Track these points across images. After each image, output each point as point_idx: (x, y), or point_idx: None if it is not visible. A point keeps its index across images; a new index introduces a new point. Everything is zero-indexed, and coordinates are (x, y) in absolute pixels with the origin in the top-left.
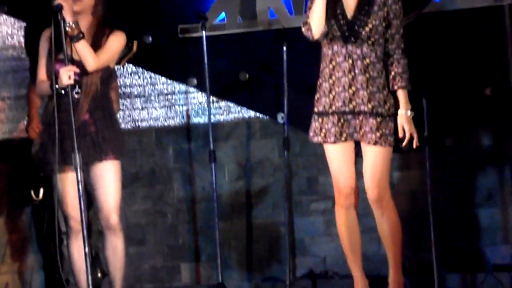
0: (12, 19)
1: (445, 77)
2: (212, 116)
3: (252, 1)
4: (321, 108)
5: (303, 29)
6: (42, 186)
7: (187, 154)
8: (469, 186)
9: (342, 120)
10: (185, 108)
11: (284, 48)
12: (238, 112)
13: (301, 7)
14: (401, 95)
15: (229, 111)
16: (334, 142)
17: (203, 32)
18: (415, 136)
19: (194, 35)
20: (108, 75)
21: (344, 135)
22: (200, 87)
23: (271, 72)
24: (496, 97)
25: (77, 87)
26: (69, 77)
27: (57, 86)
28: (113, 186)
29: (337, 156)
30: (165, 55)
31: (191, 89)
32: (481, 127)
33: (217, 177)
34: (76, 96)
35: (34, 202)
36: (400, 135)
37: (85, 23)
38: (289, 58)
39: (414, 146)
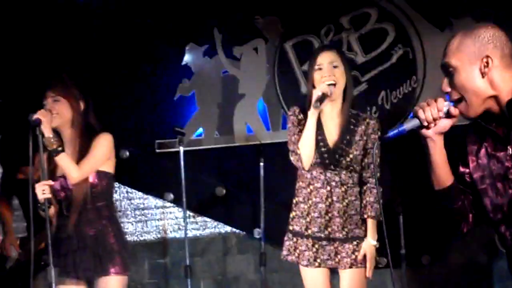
0: None
1: (422, 195)
2: (188, 231)
3: (229, 116)
4: (297, 228)
5: (292, 159)
6: None
7: (162, 269)
8: None
9: (317, 246)
10: (161, 223)
11: (261, 164)
12: (215, 227)
13: (278, 123)
14: (370, 223)
15: (205, 226)
16: (307, 266)
17: (180, 147)
18: (372, 266)
19: (171, 150)
20: (106, 184)
21: (318, 260)
22: (177, 202)
23: (248, 187)
24: (473, 215)
25: (46, 204)
26: (43, 192)
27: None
28: None
29: (312, 279)
30: (141, 170)
31: (168, 204)
32: (458, 245)
33: None
34: (42, 213)
35: None
36: (359, 259)
37: (67, 135)
38: (265, 173)
39: (369, 275)
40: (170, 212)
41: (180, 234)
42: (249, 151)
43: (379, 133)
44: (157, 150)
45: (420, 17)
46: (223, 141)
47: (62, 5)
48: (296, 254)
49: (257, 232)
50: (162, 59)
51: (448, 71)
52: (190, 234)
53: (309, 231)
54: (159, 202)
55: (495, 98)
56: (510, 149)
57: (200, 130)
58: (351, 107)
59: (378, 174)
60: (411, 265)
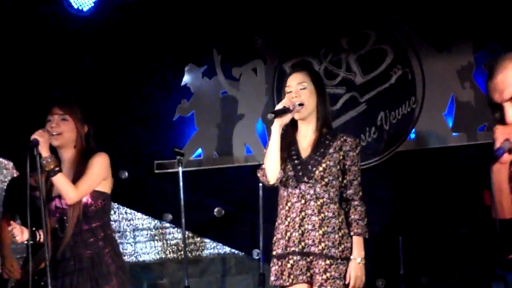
0: None
1: (421, 215)
2: (187, 252)
3: (229, 137)
4: (279, 251)
5: (258, 175)
6: None
7: None
8: None
9: (291, 262)
10: (160, 243)
11: (260, 185)
12: (214, 248)
13: None
14: (356, 241)
15: (204, 247)
16: (281, 284)
17: (180, 167)
18: (361, 285)
19: (171, 170)
20: (105, 202)
21: (292, 277)
22: (176, 223)
23: (247, 208)
24: (471, 236)
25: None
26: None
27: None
28: None
29: None
30: (140, 191)
31: (167, 225)
32: (457, 265)
33: None
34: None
35: None
36: (347, 281)
37: (68, 156)
38: (264, 194)
39: None
40: (169, 233)
41: (179, 255)
42: (248, 172)
43: (357, 150)
44: (156, 171)
45: (419, 39)
46: (222, 162)
47: (61, 26)
48: (285, 277)
49: (256, 253)
50: (161, 80)
51: None
52: (189, 255)
53: (288, 249)
54: (158, 223)
55: None
56: None
57: (199, 150)
58: (326, 125)
59: (360, 193)
60: (411, 286)
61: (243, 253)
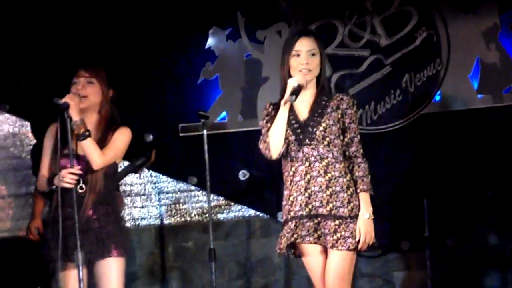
0: (13, 118)
1: (446, 178)
2: (212, 215)
3: (253, 100)
4: (284, 217)
5: (260, 147)
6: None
7: (187, 252)
8: (473, 285)
9: (297, 224)
10: (185, 206)
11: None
12: (238, 210)
13: None
14: (362, 197)
15: (229, 210)
16: (294, 245)
17: (204, 130)
18: (371, 240)
19: (195, 133)
20: (113, 171)
21: (296, 236)
22: (201, 185)
23: (272, 171)
24: (497, 198)
25: (81, 182)
26: (64, 181)
27: (55, 186)
28: (116, 284)
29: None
30: (165, 154)
31: (192, 188)
32: (482, 227)
33: (217, 276)
34: (80, 191)
35: None
36: (357, 237)
37: (91, 120)
38: None
39: (362, 248)
40: (194, 196)
41: (204, 218)
42: None
43: (355, 108)
44: (181, 134)
45: (444, 0)
46: (247, 125)
47: None
48: (285, 239)
49: (281, 216)
50: (185, 43)
51: None
52: (214, 217)
53: (292, 213)
54: (183, 186)
55: None
56: None
57: (224, 113)
58: (324, 89)
59: (361, 149)
60: (435, 248)
61: (268, 215)
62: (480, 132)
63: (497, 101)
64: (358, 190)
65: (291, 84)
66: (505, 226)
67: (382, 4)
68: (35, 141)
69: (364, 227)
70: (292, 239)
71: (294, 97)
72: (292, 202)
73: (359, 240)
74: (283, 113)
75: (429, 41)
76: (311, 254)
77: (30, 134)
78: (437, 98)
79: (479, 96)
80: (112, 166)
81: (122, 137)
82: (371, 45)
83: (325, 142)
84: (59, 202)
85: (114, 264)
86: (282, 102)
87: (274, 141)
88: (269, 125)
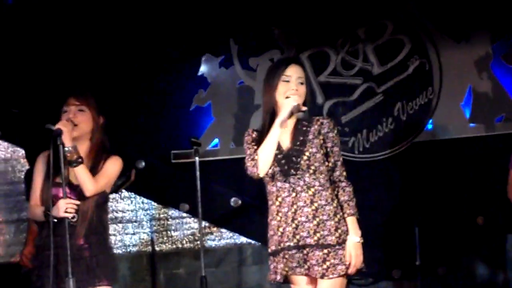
0: (6, 144)
1: (437, 206)
2: (204, 242)
3: (245, 127)
4: (274, 248)
5: (248, 164)
6: None
7: (178, 279)
8: None
9: (287, 256)
10: (176, 233)
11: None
12: (230, 238)
13: None
14: (350, 222)
15: (221, 237)
16: (275, 279)
17: (196, 157)
18: (360, 264)
19: (187, 160)
20: (104, 199)
21: (286, 269)
22: (192, 212)
23: (263, 198)
24: (488, 227)
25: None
26: (66, 211)
27: (49, 213)
28: None
29: None
30: (157, 180)
31: (183, 215)
32: (474, 256)
33: None
34: (73, 220)
35: None
36: (347, 262)
37: (83, 148)
38: None
39: (351, 272)
40: (186, 223)
41: (195, 245)
42: None
43: (335, 130)
44: (173, 161)
45: (436, 29)
46: (239, 152)
47: (76, 17)
48: (279, 271)
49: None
50: (178, 70)
51: None
52: (206, 244)
53: (282, 245)
54: (175, 213)
55: None
56: None
57: (216, 140)
58: (302, 118)
59: (345, 173)
60: (427, 277)
61: (259, 243)
62: (472, 160)
63: (489, 130)
64: (345, 215)
65: (290, 104)
66: (497, 255)
67: (374, 32)
68: (27, 167)
69: (354, 251)
70: (284, 272)
71: (301, 113)
72: (283, 233)
73: (349, 265)
74: (276, 132)
75: (421, 70)
76: (301, 285)
77: (22, 160)
78: (429, 126)
79: (471, 125)
80: (102, 196)
81: (113, 166)
82: (364, 73)
83: (311, 171)
84: (51, 230)
85: None
86: (278, 122)
87: (263, 158)
88: (256, 147)
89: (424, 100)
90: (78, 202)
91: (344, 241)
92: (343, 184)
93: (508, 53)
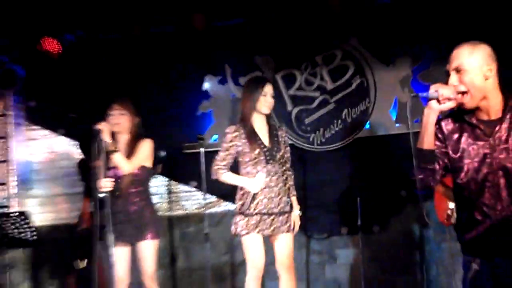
0: (66, 139)
1: (374, 183)
2: (207, 209)
3: None
4: (247, 211)
5: (213, 166)
6: (86, 258)
7: (188, 236)
8: (392, 258)
9: (259, 219)
10: (187, 202)
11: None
12: (226, 206)
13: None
14: (294, 200)
15: (219, 205)
16: (247, 233)
17: (201, 148)
18: (298, 228)
19: (195, 150)
20: (147, 175)
21: (257, 229)
22: (199, 188)
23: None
24: (409, 198)
25: (115, 188)
26: (104, 187)
27: (102, 193)
28: (150, 260)
29: (254, 242)
30: (174, 165)
31: (192, 189)
32: (398, 218)
33: (210, 252)
34: (116, 193)
35: (79, 268)
36: (292, 227)
37: (124, 138)
38: None
39: (295, 231)
40: (194, 195)
41: (201, 210)
42: None
43: (287, 135)
44: (185, 151)
45: (371, 56)
46: None
47: (112, 43)
48: (249, 228)
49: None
50: (188, 86)
51: (459, 70)
52: (208, 211)
53: (257, 210)
54: (186, 188)
55: (487, 99)
56: (491, 140)
57: (216, 136)
58: (271, 122)
59: (288, 165)
60: (365, 232)
61: None
62: (398, 151)
63: (409, 128)
64: (291, 195)
65: (262, 179)
66: (414, 216)
67: (328, 59)
68: (81, 156)
69: (297, 219)
70: (256, 231)
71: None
72: (258, 202)
73: (293, 228)
74: (245, 184)
75: (361, 86)
76: (261, 242)
77: (78, 151)
78: (367, 126)
79: (396, 125)
80: (145, 172)
81: (144, 147)
82: (321, 88)
83: (279, 162)
84: (108, 202)
85: (148, 245)
86: (252, 188)
87: (224, 181)
88: (227, 151)
89: (364, 107)
90: (111, 180)
91: (290, 211)
92: (290, 172)
93: (423, 74)
